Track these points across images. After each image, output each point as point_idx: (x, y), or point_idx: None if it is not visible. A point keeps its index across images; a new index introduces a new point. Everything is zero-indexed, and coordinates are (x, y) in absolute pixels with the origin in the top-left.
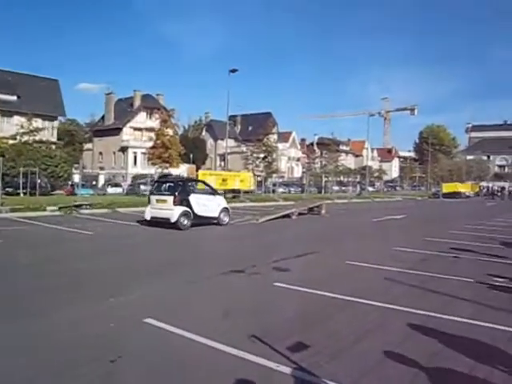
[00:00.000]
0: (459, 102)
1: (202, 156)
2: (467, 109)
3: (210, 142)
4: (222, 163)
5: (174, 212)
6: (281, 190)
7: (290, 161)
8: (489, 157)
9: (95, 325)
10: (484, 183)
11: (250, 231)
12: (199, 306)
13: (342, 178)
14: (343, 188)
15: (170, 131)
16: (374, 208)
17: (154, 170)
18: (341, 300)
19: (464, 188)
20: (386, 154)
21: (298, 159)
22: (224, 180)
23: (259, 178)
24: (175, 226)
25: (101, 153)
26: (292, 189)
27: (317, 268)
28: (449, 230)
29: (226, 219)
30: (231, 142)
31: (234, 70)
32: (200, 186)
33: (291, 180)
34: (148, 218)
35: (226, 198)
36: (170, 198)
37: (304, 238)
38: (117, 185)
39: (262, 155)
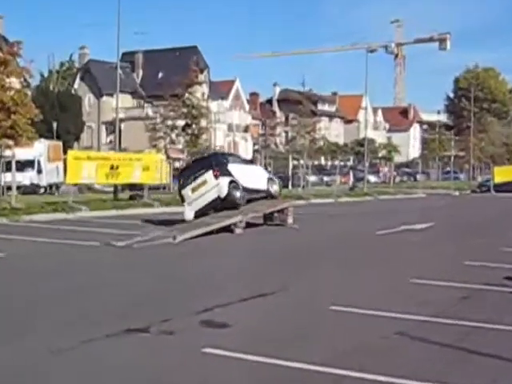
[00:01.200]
0: None
1: (74, 125)
2: None
3: (88, 99)
4: (111, 137)
5: (220, 185)
6: None
7: (231, 132)
8: None
9: None
10: None
11: (160, 256)
12: None
13: (323, 161)
14: (326, 178)
15: (14, 81)
16: (379, 212)
17: None
18: (317, 374)
19: None
20: (399, 119)
21: (246, 129)
22: (114, 168)
23: (178, 164)
24: (229, 202)
25: None
26: None
27: (277, 319)
28: (505, 246)
29: (276, 188)
30: (127, 100)
31: None
32: (232, 157)
33: None
34: (191, 216)
35: (117, 199)
36: (209, 174)
37: (255, 265)
38: None
39: (181, 122)
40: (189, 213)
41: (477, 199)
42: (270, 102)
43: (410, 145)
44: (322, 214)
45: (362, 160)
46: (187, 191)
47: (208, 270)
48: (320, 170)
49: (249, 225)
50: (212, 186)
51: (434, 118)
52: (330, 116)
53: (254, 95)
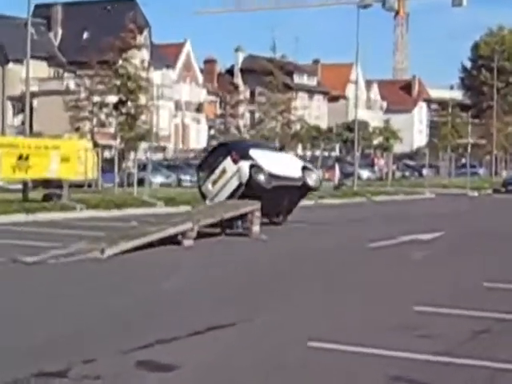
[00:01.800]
0: None
1: None
2: None
3: None
4: (19, 118)
5: (241, 170)
6: (159, 179)
7: (179, 111)
8: None
9: None
10: None
11: (82, 276)
12: None
13: (300, 151)
14: None
15: None
16: (373, 217)
17: None
18: None
19: None
20: (401, 96)
21: (200, 107)
22: (23, 159)
23: (108, 153)
24: (252, 188)
25: None
26: (187, 176)
27: (238, 358)
28: None
29: (314, 178)
30: (41, 68)
31: None
32: (256, 143)
33: (185, 155)
34: None
35: (27, 199)
36: (227, 161)
37: (208, 289)
38: None
39: (113, 98)
40: None
41: (501, 201)
42: (230, 72)
43: (415, 130)
44: (299, 221)
45: (352, 150)
46: (207, 186)
47: (146, 295)
48: None
49: (202, 235)
50: (232, 173)
51: (445, 95)
52: (310, 91)
53: (209, 63)
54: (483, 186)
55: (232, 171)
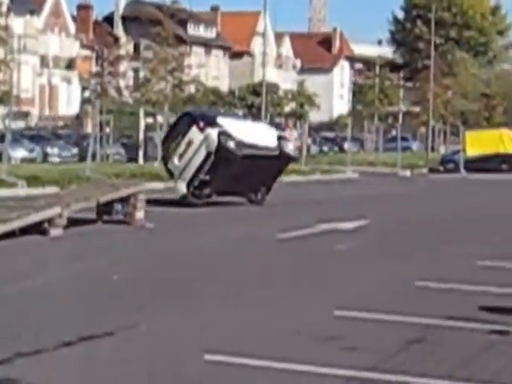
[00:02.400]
0: None
1: None
2: None
3: None
4: None
5: (209, 138)
6: (21, 152)
7: (45, 69)
8: None
9: None
10: None
11: None
12: None
13: None
14: None
15: None
16: (283, 202)
17: None
18: None
19: None
20: (318, 52)
21: (71, 64)
22: None
23: None
24: (222, 157)
25: None
26: (55, 149)
27: (113, 376)
28: (483, 259)
29: (291, 147)
30: None
31: None
32: (225, 112)
33: (53, 124)
34: (183, 189)
35: None
36: (192, 130)
37: (79, 292)
38: None
39: None
40: (180, 186)
41: (438, 183)
42: (109, 20)
43: (335, 94)
44: (197, 207)
45: (258, 118)
46: (174, 162)
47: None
48: None
49: (74, 222)
50: (199, 143)
51: (372, 52)
52: (208, 46)
53: (84, 9)
54: (417, 164)
55: (199, 140)
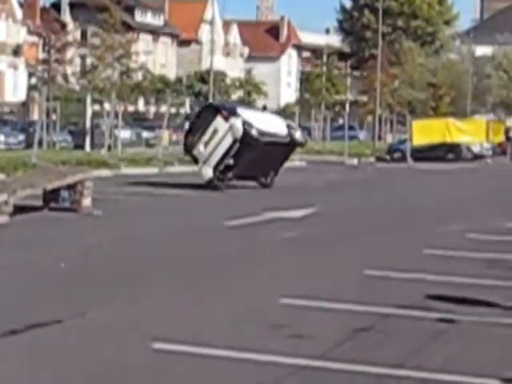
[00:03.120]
0: None
1: None
2: None
3: None
4: None
5: (233, 126)
6: None
7: None
8: None
9: None
10: None
11: None
12: None
13: (142, 107)
14: (146, 134)
15: None
16: (234, 190)
17: None
18: None
19: (467, 133)
20: (266, 41)
21: (18, 50)
22: None
23: None
24: (247, 143)
25: None
26: (1, 136)
27: (60, 364)
28: (430, 247)
29: (299, 134)
30: None
31: None
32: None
33: None
34: (210, 173)
35: None
36: (217, 120)
37: (25, 280)
38: None
39: None
40: (207, 171)
41: (385, 172)
42: (56, 7)
43: (282, 83)
44: (141, 193)
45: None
46: (199, 149)
47: None
48: (138, 120)
49: (20, 209)
50: (225, 131)
51: (320, 40)
52: (155, 33)
53: None
54: (364, 153)
55: (224, 129)
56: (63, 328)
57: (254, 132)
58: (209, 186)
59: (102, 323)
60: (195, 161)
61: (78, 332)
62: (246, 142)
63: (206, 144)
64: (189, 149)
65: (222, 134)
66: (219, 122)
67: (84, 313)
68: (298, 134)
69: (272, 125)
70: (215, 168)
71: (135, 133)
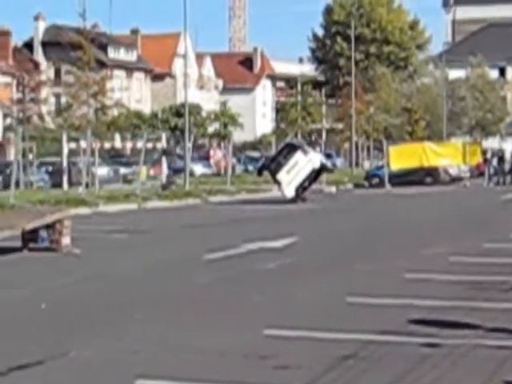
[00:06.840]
0: None
1: None
2: None
3: None
4: None
5: (312, 159)
6: None
7: None
8: (502, 70)
9: None
10: (494, 143)
11: None
12: None
13: (119, 143)
14: (124, 170)
15: None
16: (211, 222)
17: None
18: None
19: (444, 156)
20: (240, 72)
21: None
22: None
23: None
24: (323, 170)
25: None
26: None
27: None
28: (409, 272)
29: (327, 162)
30: None
31: None
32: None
33: None
34: (292, 192)
35: None
36: (298, 155)
37: (7, 322)
38: None
39: None
40: (289, 190)
41: (364, 198)
42: (29, 46)
43: (258, 114)
44: (120, 231)
45: (182, 140)
46: (282, 175)
47: None
48: (115, 156)
49: None
50: (305, 162)
51: (294, 70)
52: (129, 68)
53: (2, 36)
54: (342, 180)
55: (305, 161)
56: (45, 368)
57: (328, 163)
58: (291, 201)
59: (84, 362)
60: (278, 184)
61: (60, 372)
62: (322, 169)
63: (288, 171)
64: (273, 173)
65: (302, 164)
66: (300, 156)
67: (66, 352)
68: (327, 162)
69: (320, 156)
70: (297, 189)
71: (112, 169)
